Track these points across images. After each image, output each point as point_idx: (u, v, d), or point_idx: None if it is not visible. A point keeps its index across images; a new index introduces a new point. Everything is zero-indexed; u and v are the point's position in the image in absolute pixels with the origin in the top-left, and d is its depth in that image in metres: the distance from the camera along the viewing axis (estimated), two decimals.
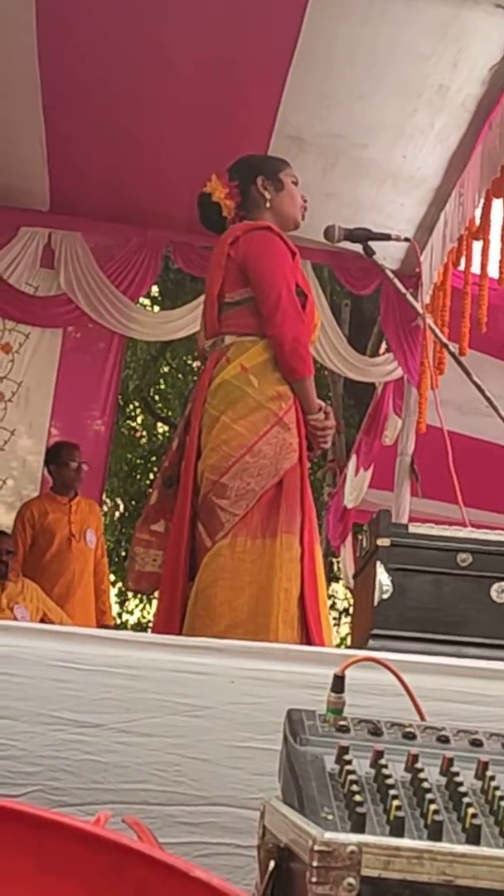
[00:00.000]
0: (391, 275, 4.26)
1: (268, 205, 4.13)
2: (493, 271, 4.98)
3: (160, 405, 14.82)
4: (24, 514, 6.88)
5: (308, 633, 3.69)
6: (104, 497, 8.43)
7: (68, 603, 6.66)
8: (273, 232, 4.01)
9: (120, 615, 16.27)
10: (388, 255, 5.54)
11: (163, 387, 14.85)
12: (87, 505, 7.03)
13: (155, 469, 13.77)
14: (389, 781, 1.50)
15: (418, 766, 1.56)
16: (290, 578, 3.72)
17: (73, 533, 6.86)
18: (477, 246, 5.23)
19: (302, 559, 3.76)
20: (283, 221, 4.14)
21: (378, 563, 3.08)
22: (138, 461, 14.81)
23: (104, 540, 7.32)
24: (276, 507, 3.79)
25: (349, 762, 1.56)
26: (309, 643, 3.63)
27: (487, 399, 3.92)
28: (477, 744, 1.69)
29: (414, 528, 3.15)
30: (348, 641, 4.80)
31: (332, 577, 12.13)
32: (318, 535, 4.08)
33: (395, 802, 1.43)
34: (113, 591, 15.85)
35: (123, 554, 13.16)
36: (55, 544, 6.82)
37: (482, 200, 5.06)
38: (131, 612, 16.42)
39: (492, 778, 1.55)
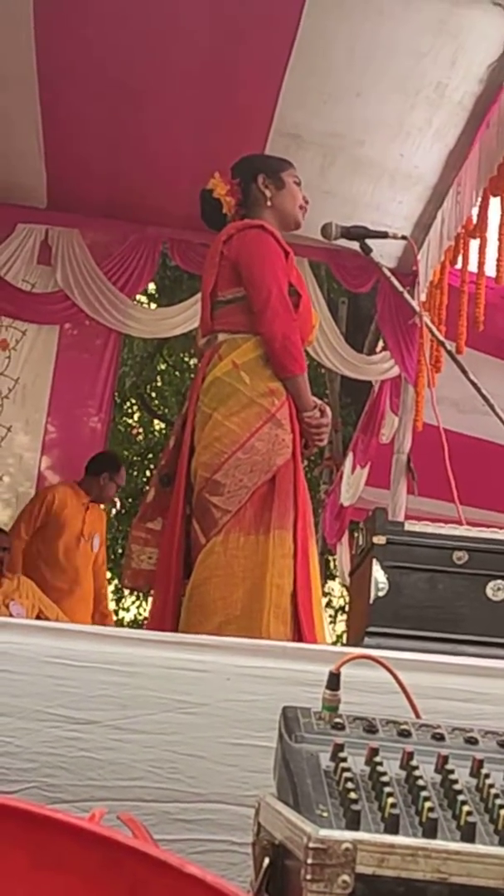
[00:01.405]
0: (388, 273, 4.26)
1: (268, 203, 4.14)
2: (490, 270, 4.98)
3: (157, 402, 14.81)
4: (44, 496, 6.85)
5: (299, 629, 3.69)
6: None
7: (68, 599, 6.65)
8: (266, 231, 4.02)
9: (116, 612, 16.25)
10: (386, 253, 5.54)
11: (159, 384, 14.84)
12: (98, 510, 7.03)
13: (151, 466, 13.76)
14: (384, 779, 1.50)
15: (413, 763, 1.56)
16: (282, 574, 3.72)
17: (83, 533, 6.85)
18: (474, 244, 5.24)
19: (295, 555, 3.76)
20: (283, 220, 4.15)
21: (374, 560, 3.08)
22: (135, 458, 14.80)
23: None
24: (269, 503, 3.79)
25: (344, 759, 1.56)
26: (300, 639, 3.63)
27: (484, 397, 3.92)
28: (472, 741, 1.69)
29: (410, 526, 3.16)
30: (344, 639, 4.80)
31: (328, 575, 12.12)
32: (314, 532, 4.09)
33: (390, 800, 1.43)
34: (109, 589, 15.86)
35: (120, 551, 13.15)
36: (63, 539, 6.80)
37: (479, 199, 5.07)
38: (127, 610, 16.43)
39: (487, 776, 1.55)
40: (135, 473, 14.61)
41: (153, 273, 6.91)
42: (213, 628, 3.53)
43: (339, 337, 7.00)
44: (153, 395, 14.85)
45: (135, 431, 15.06)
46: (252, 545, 3.74)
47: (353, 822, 1.39)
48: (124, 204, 6.31)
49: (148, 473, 13.76)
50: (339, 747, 1.59)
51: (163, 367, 14.58)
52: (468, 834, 1.39)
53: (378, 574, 3.06)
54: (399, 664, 1.90)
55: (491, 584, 3.08)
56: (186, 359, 13.80)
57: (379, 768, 1.53)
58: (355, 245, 4.18)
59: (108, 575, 14.74)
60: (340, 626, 14.56)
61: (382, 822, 1.41)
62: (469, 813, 1.42)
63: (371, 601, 3.06)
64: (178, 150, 5.59)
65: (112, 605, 16.16)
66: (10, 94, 5.39)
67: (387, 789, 1.46)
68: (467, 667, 2.47)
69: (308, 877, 1.31)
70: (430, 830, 1.39)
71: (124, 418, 14.58)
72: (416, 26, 4.74)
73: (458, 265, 5.48)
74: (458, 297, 5.33)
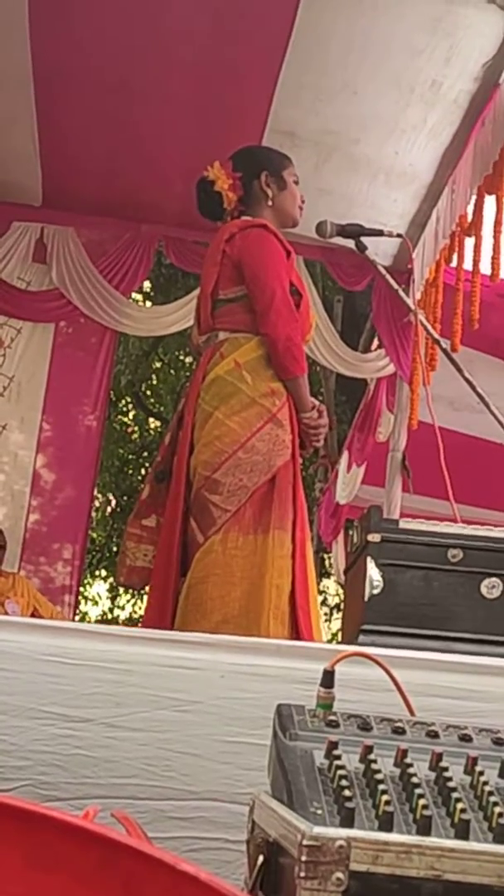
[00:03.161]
0: (383, 271, 4.27)
1: (269, 203, 4.13)
2: (484, 268, 4.99)
3: (152, 400, 14.79)
4: None
5: (298, 630, 3.70)
6: (95, 492, 8.39)
7: None
8: (269, 230, 4.01)
9: (111, 610, 16.26)
10: (381, 251, 5.55)
11: (154, 382, 14.82)
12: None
13: (146, 464, 13.74)
14: (379, 776, 1.50)
15: (407, 761, 1.56)
16: (281, 575, 3.72)
17: None
18: (469, 242, 5.24)
19: (293, 555, 3.77)
20: (282, 219, 4.15)
21: (369, 558, 3.08)
22: (130, 456, 14.80)
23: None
24: (269, 503, 3.79)
25: (339, 757, 1.56)
26: (298, 639, 3.63)
27: (479, 395, 3.93)
28: (466, 739, 1.70)
29: (404, 524, 3.16)
30: (339, 637, 4.81)
31: (323, 573, 12.14)
32: (310, 532, 4.09)
33: (384, 797, 1.43)
34: (104, 586, 15.89)
35: (115, 549, 13.15)
36: None
37: (474, 197, 5.07)
38: (122, 608, 16.42)
39: (481, 773, 1.55)
40: (130, 472, 14.62)
41: (148, 271, 6.91)
42: (210, 627, 3.52)
43: (335, 335, 7.00)
44: (148, 393, 14.84)
45: (130, 430, 15.05)
46: (251, 545, 3.75)
47: (348, 820, 1.39)
48: (119, 202, 6.30)
49: (143, 472, 13.74)
50: (334, 745, 1.60)
51: (158, 365, 14.56)
52: (462, 831, 1.39)
53: (373, 572, 3.06)
54: (394, 662, 1.90)
55: (485, 581, 3.08)
56: (182, 357, 13.79)
57: (373, 766, 1.53)
58: (350, 243, 4.18)
59: (104, 573, 14.79)
60: (336, 624, 14.56)
61: (376, 820, 1.41)
62: (463, 810, 1.42)
63: (366, 599, 3.06)
64: (173, 148, 5.58)
65: (107, 604, 16.20)
66: (6, 93, 5.38)
67: (381, 787, 1.46)
68: (462, 664, 2.47)
69: (302, 874, 1.31)
70: (425, 828, 1.39)
71: (119, 416, 14.57)
72: (412, 24, 4.75)
73: (454, 263, 5.48)
74: (454, 295, 5.33)
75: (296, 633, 3.70)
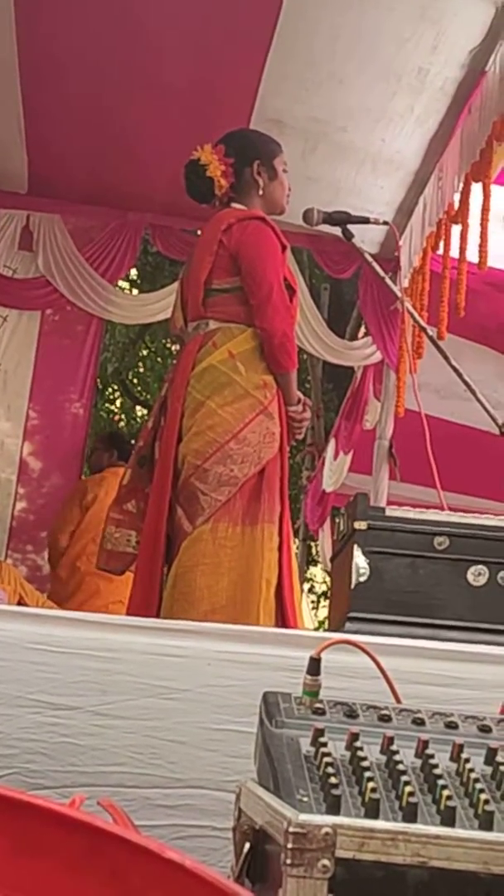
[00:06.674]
0: (370, 258, 4.26)
1: (260, 192, 4.11)
2: (471, 255, 4.97)
3: (139, 388, 14.76)
4: None
5: (285, 623, 3.71)
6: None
7: None
8: (267, 224, 4.00)
9: None
10: (367, 239, 5.54)
11: (141, 370, 14.79)
12: None
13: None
14: (365, 764, 1.50)
15: (394, 748, 1.56)
16: (270, 568, 3.74)
17: None
18: (456, 230, 5.23)
19: (280, 549, 3.78)
20: (270, 208, 4.13)
21: (355, 546, 3.08)
22: None
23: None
24: (258, 495, 3.80)
25: (325, 744, 1.57)
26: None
27: (466, 383, 3.93)
28: (452, 726, 1.70)
29: (391, 512, 3.16)
30: (326, 625, 4.82)
31: (310, 561, 12.14)
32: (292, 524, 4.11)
33: (371, 784, 1.43)
34: None
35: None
36: None
37: (461, 184, 5.06)
38: None
39: (466, 760, 1.55)
40: None
41: (134, 259, 6.90)
42: (198, 616, 3.52)
43: (322, 322, 6.99)
44: (135, 381, 14.81)
45: (116, 418, 15.02)
46: (239, 536, 3.75)
47: (334, 807, 1.40)
48: (106, 190, 6.29)
49: None
50: (320, 732, 1.60)
51: (144, 353, 14.53)
52: (448, 818, 1.40)
53: (359, 559, 3.07)
54: (380, 649, 1.91)
55: (472, 569, 3.08)
56: (168, 345, 13.76)
57: (359, 753, 1.54)
58: (337, 231, 4.18)
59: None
60: (323, 612, 14.57)
61: (362, 807, 1.41)
62: (449, 797, 1.42)
63: (352, 586, 3.07)
64: (160, 136, 5.56)
65: None
66: None
67: (367, 774, 1.47)
68: (448, 652, 2.48)
69: (288, 861, 1.31)
70: (410, 815, 1.40)
71: (106, 404, 14.53)
72: (398, 12, 4.73)
73: (440, 251, 5.47)
74: (440, 283, 5.32)
75: (283, 626, 3.71)
